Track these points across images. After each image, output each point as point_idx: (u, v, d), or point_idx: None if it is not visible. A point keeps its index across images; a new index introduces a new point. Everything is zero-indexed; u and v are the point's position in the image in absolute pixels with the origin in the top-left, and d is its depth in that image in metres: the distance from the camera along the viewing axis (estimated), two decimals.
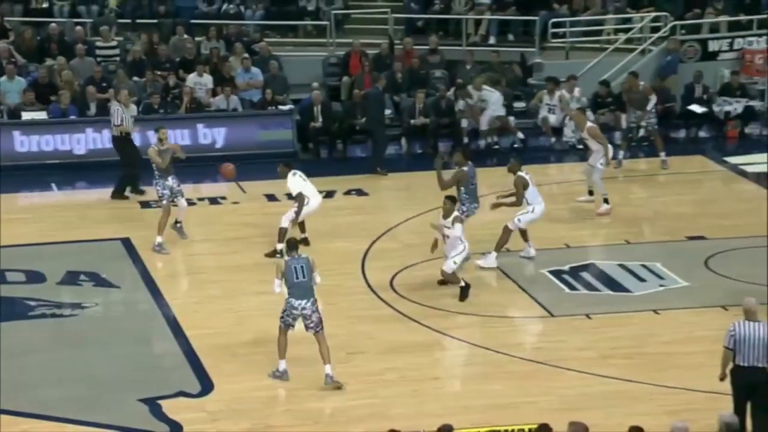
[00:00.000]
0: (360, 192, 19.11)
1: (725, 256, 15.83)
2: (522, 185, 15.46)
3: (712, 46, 22.23)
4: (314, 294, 12.50)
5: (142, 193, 18.56)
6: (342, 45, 22.72)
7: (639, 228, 16.89)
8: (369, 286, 15.33)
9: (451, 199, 14.69)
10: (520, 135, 20.96)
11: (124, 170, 18.72)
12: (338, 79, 22.16)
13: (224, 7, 23.69)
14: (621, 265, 15.51)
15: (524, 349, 13.21)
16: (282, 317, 12.55)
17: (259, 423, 11.88)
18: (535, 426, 10.03)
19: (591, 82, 21.43)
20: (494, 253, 15.51)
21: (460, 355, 13.37)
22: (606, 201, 17.36)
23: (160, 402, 12.21)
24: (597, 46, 22.59)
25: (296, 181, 16.32)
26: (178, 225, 16.69)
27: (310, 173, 18.97)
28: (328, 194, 18.95)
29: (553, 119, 20.94)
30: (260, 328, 13.96)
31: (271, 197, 18.65)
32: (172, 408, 12.11)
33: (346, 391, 12.48)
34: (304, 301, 12.41)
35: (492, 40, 22.99)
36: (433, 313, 14.47)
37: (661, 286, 15.09)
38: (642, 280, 15.19)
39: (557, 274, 15.48)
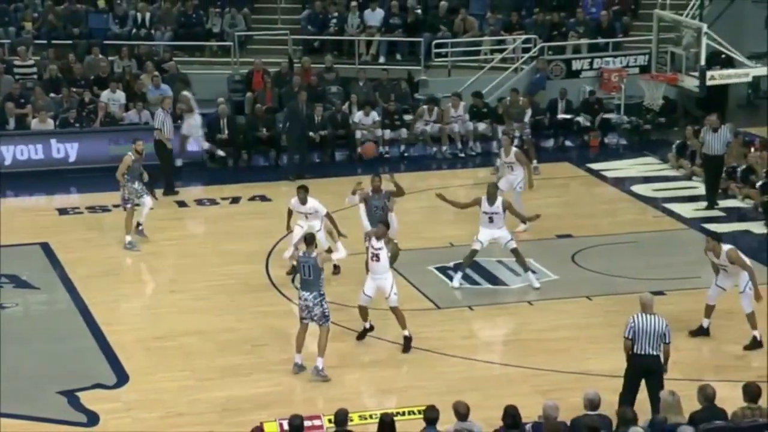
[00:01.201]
0: (263, 198, 18.92)
1: (589, 252, 16.08)
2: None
3: (575, 65, 22.58)
4: (319, 289, 12.19)
5: (176, 193, 18.55)
6: (245, 63, 22.52)
7: (515, 228, 17.04)
8: (272, 283, 15.17)
9: (386, 224, 13.59)
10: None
11: (163, 171, 18.57)
12: (242, 94, 21.96)
13: (134, 29, 23.33)
14: (499, 261, 15.62)
15: (414, 338, 13.20)
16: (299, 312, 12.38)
17: (171, 411, 11.68)
18: (423, 407, 10.04)
19: (470, 96, 21.67)
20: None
21: (356, 344, 13.30)
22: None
23: (77, 394, 11.94)
24: (475, 64, 22.78)
25: (316, 203, 14.89)
26: (140, 228, 16.42)
27: (217, 182, 18.82)
28: (234, 200, 18.76)
29: (429, 130, 21.06)
30: (172, 324, 13.76)
31: (181, 203, 18.34)
32: (89, 399, 11.84)
33: (251, 380, 12.35)
34: (307, 293, 12.23)
35: (382, 59, 23.03)
36: (331, 308, 14.36)
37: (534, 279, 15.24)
38: (517, 274, 15.31)
39: (442, 270, 15.54)
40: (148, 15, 23.54)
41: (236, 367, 12.66)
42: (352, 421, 10.28)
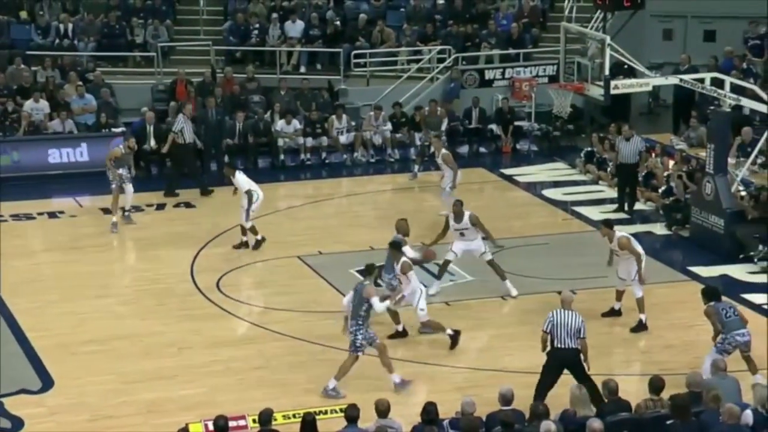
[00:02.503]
0: (188, 204, 18.70)
1: (504, 254, 16.20)
2: None
3: (488, 74, 22.79)
4: (358, 318, 11.75)
5: (175, 195, 18.77)
6: (168, 74, 22.24)
7: (432, 231, 17.08)
8: (197, 287, 14.99)
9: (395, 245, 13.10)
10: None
11: (173, 171, 19.07)
12: (166, 104, 21.67)
13: (57, 40, 22.88)
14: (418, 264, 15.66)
15: (336, 339, 13.16)
16: None
17: (97, 414, 11.46)
18: (345, 405, 10.02)
19: (388, 104, 21.74)
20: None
21: (280, 346, 13.21)
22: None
23: (2, 399, 11.64)
24: (393, 74, 22.84)
25: (244, 179, 16.14)
26: (126, 213, 17.13)
27: (143, 189, 18.54)
28: (159, 206, 18.50)
29: (343, 139, 21.06)
30: (97, 329, 13.50)
31: (106, 210, 18.02)
32: (13, 405, 11.56)
33: (177, 382, 12.18)
34: (352, 321, 11.87)
35: (303, 69, 22.95)
36: (255, 310, 14.30)
37: (452, 281, 15.30)
38: (438, 278, 15.34)
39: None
40: (70, 26, 23.11)
41: (162, 369, 12.48)
42: (276, 420, 10.21)
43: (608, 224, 13.77)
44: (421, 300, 12.96)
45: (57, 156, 19.90)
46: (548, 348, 11.29)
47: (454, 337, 12.99)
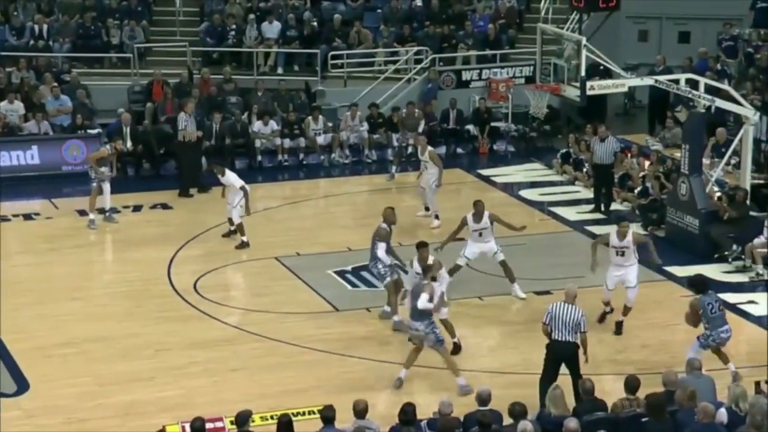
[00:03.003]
0: (165, 206, 18.61)
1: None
2: None
3: (465, 75, 22.84)
4: (430, 317, 11.74)
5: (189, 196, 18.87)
6: (145, 75, 22.13)
7: (410, 232, 17.11)
8: (174, 289, 14.93)
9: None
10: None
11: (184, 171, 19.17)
12: (142, 105, 21.57)
13: (32, 41, 22.71)
14: (396, 264, 15.61)
15: (313, 340, 13.15)
16: None
17: (73, 417, 11.38)
18: (321, 407, 10.00)
19: (365, 105, 21.72)
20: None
21: (257, 348, 13.17)
22: (437, 217, 17.04)
23: None
24: (370, 75, 22.82)
25: (234, 176, 16.24)
26: (108, 213, 17.29)
27: (119, 190, 18.44)
28: (136, 208, 18.41)
29: (320, 140, 21.03)
30: (73, 331, 13.41)
31: (82, 212, 17.91)
32: None
33: (154, 384, 12.12)
34: (418, 323, 11.79)
35: (280, 70, 22.90)
36: (232, 312, 14.24)
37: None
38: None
39: (341, 273, 15.51)
40: (45, 27, 22.95)
41: (139, 371, 12.41)
42: (253, 422, 10.18)
43: (627, 220, 13.73)
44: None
45: (7, 159, 19.59)
46: (547, 341, 11.30)
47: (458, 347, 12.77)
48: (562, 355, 11.24)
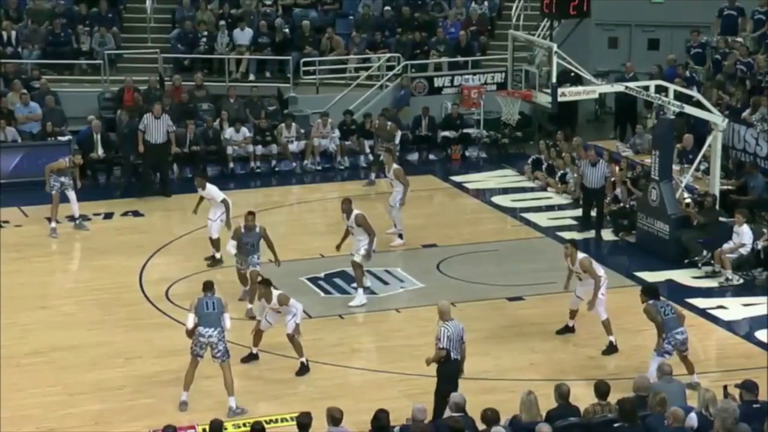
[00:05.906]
0: (136, 213, 18.50)
1: (453, 260, 16.27)
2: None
3: (437, 82, 22.88)
4: (222, 325, 11.65)
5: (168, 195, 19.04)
6: (116, 81, 22.00)
7: (383, 238, 17.12)
8: (146, 297, 14.83)
9: (267, 283, 12.85)
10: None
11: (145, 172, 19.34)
12: (113, 112, 21.44)
13: (0, 48, 22.52)
14: (368, 271, 15.62)
15: (286, 347, 13.09)
16: (191, 347, 11.68)
17: (41, 426, 11.28)
18: (297, 413, 9.96)
19: (338, 112, 21.70)
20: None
21: (230, 355, 13.06)
22: (401, 236, 16.83)
23: None
24: (342, 82, 22.82)
25: (215, 189, 15.81)
26: (78, 221, 17.30)
27: (90, 197, 18.31)
28: (107, 215, 18.29)
29: (293, 147, 20.98)
30: (41, 340, 13.28)
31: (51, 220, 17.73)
32: None
33: (125, 392, 12.02)
34: (211, 330, 11.62)
35: (252, 77, 22.86)
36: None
37: (402, 288, 15.35)
38: (386, 283, 15.39)
39: (314, 280, 15.47)
40: (14, 33, 22.76)
41: (109, 380, 12.32)
42: (226, 430, 10.12)
43: (575, 244, 13.51)
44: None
45: None
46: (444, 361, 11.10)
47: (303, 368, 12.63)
48: (457, 372, 11.17)
